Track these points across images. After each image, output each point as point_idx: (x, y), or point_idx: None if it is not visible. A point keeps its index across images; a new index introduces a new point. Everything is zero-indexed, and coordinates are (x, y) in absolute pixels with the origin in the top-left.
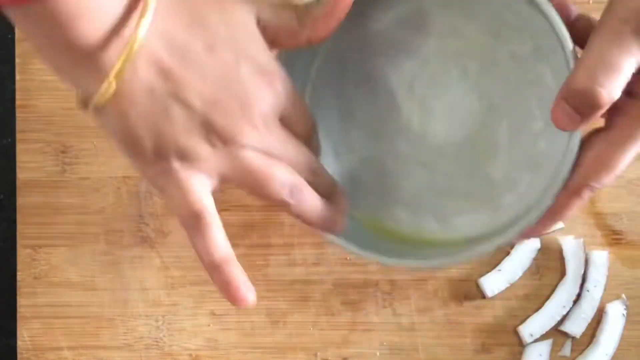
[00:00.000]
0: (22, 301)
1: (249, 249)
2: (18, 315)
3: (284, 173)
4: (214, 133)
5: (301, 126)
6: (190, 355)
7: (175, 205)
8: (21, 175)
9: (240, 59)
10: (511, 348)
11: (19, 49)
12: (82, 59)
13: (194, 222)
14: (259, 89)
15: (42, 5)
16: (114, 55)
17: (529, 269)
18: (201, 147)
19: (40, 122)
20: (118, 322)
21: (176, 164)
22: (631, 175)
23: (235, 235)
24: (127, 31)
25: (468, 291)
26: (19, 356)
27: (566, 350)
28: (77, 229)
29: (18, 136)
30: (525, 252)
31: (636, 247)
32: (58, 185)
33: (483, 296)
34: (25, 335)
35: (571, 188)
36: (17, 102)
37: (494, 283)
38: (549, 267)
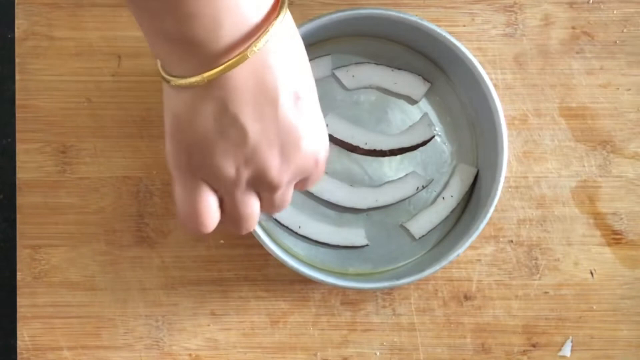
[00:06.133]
0: (22, 301)
1: (249, 249)
2: (18, 315)
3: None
4: (251, 166)
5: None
6: (190, 355)
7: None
8: (21, 175)
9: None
10: (511, 348)
11: (19, 49)
12: (190, 50)
13: None
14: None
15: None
16: (223, 58)
17: (529, 269)
18: (229, 171)
19: (40, 122)
20: (118, 322)
21: (203, 181)
22: (631, 175)
23: (235, 235)
24: (248, 41)
25: (468, 291)
26: (19, 356)
27: (566, 350)
28: (77, 229)
29: (18, 136)
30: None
31: (636, 247)
32: (58, 185)
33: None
34: (25, 335)
35: None
36: (17, 102)
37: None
38: (549, 267)
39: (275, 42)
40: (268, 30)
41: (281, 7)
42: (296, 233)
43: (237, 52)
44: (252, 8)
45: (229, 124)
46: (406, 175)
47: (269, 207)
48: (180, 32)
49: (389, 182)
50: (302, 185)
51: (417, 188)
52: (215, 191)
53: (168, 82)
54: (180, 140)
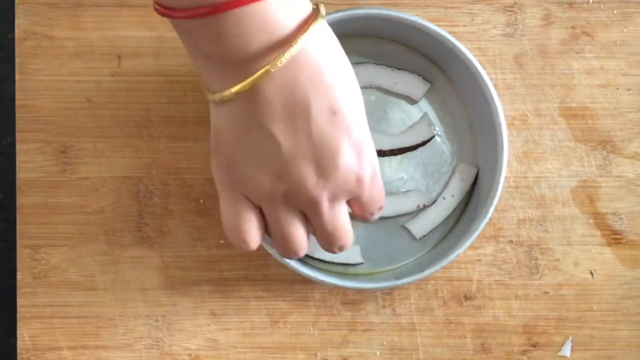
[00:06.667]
0: (22, 301)
1: None
2: (18, 315)
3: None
4: (285, 180)
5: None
6: (190, 355)
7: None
8: (21, 175)
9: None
10: (511, 348)
11: (19, 49)
12: (223, 66)
13: None
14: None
15: (215, 20)
16: (257, 66)
17: (530, 269)
18: (265, 185)
19: (40, 122)
20: (118, 322)
21: (243, 196)
22: (631, 175)
23: None
24: (280, 49)
25: (468, 291)
26: (19, 356)
27: (566, 350)
28: (77, 229)
29: (18, 136)
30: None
31: (636, 247)
32: (58, 185)
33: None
34: (25, 335)
35: None
36: (17, 102)
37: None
38: (549, 267)
39: (305, 57)
40: (292, 46)
41: (311, 22)
42: None
43: (261, 67)
44: (281, 25)
45: (262, 137)
46: (408, 191)
47: (321, 232)
48: (212, 49)
49: (391, 194)
50: (356, 210)
51: (418, 206)
52: (258, 207)
53: (208, 98)
54: (221, 154)
